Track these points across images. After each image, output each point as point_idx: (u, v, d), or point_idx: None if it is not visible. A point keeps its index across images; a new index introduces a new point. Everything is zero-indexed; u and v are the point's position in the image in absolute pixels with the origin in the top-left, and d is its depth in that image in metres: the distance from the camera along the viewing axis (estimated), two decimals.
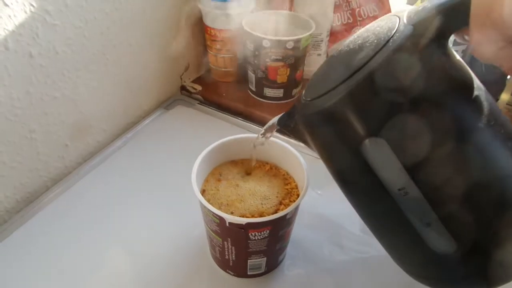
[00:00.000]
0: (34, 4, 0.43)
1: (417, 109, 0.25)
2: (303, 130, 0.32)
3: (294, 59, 0.62)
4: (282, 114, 0.37)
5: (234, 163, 0.45)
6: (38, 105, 0.47)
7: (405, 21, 0.26)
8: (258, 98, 0.67)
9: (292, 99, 0.68)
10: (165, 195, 0.51)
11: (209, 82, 0.71)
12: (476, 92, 0.26)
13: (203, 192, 0.41)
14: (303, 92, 0.32)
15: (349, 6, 0.71)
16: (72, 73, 0.50)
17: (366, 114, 0.26)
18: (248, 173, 0.44)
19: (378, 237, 0.32)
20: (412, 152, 0.26)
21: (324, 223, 0.50)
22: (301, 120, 0.31)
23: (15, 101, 0.45)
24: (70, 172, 0.54)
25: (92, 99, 0.54)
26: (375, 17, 0.71)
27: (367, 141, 0.26)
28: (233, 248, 0.39)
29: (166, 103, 0.67)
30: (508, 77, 0.62)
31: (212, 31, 0.65)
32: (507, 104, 0.64)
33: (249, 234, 0.37)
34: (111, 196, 0.51)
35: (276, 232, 0.38)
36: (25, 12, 0.43)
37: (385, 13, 0.70)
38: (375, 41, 0.27)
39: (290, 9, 0.68)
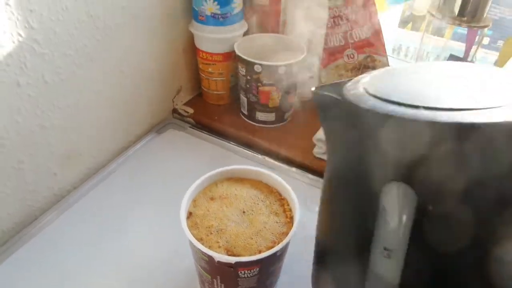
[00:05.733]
0: (22, 34, 0.43)
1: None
2: (342, 121, 0.28)
3: (286, 83, 0.61)
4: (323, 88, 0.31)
5: (237, 180, 0.44)
6: (27, 135, 0.47)
7: None
8: (250, 122, 0.67)
9: (285, 122, 0.67)
10: (155, 223, 0.50)
11: (201, 105, 0.71)
12: None
13: (189, 215, 0.40)
14: (360, 79, 0.28)
15: (341, 28, 0.71)
16: (61, 102, 0.49)
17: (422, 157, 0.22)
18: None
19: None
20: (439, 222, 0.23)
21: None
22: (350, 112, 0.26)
23: (3, 132, 0.44)
24: (59, 201, 0.53)
25: (83, 126, 0.54)
26: (366, 40, 0.71)
27: (395, 183, 0.23)
28: (222, 285, 0.39)
29: (158, 127, 0.66)
30: None
31: (204, 54, 0.65)
32: None
33: (239, 272, 0.36)
34: (101, 224, 0.50)
35: (267, 269, 0.38)
36: (13, 42, 0.42)
37: (377, 37, 0.71)
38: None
39: (283, 33, 0.68)
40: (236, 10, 0.62)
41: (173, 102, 0.70)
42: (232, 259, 0.35)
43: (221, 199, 0.41)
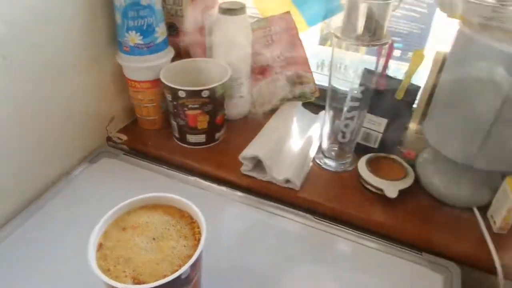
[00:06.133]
0: None
1: None
2: None
3: (212, 106, 0.64)
4: None
5: (150, 208, 0.45)
6: None
7: None
8: (183, 145, 0.69)
9: (216, 142, 0.69)
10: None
11: (136, 131, 0.72)
12: None
13: (100, 247, 0.41)
14: None
15: (268, 49, 0.74)
16: None
17: None
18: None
19: None
20: None
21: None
22: None
23: None
24: None
25: (8, 160, 0.54)
26: (292, 58, 0.74)
27: None
28: None
29: (91, 156, 0.67)
30: (415, 105, 0.66)
31: (132, 83, 0.67)
32: (415, 133, 0.68)
33: None
34: (31, 262, 0.50)
35: None
36: None
37: (301, 55, 0.74)
38: None
39: (210, 56, 0.71)
40: (160, 39, 0.64)
41: (107, 130, 0.71)
42: (134, 287, 0.36)
43: (133, 228, 0.43)
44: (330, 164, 0.66)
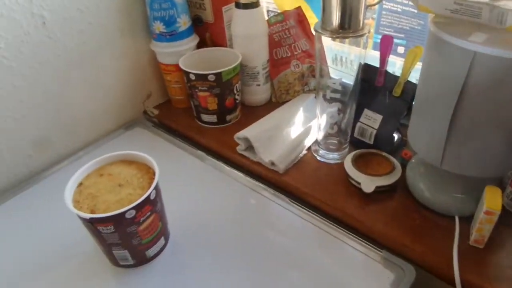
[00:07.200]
0: None
1: None
2: None
3: (220, 89, 0.71)
4: None
5: (128, 162, 0.56)
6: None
7: None
8: (199, 123, 0.78)
9: (228, 124, 0.77)
10: None
11: (168, 108, 0.84)
12: None
13: (80, 185, 0.52)
14: None
15: (286, 41, 0.78)
16: (28, 102, 0.66)
17: None
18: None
19: None
20: None
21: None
22: None
23: None
24: (33, 176, 0.70)
25: (53, 119, 0.70)
26: (307, 51, 0.77)
27: None
28: (97, 240, 0.51)
29: (127, 125, 0.81)
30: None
31: (162, 66, 0.78)
32: None
33: (98, 228, 0.48)
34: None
35: (122, 228, 0.48)
36: None
37: (313, 47, 0.77)
38: None
39: (231, 46, 0.78)
40: (182, 28, 0.74)
41: (144, 104, 0.84)
42: (87, 216, 0.47)
43: (108, 175, 0.54)
44: (324, 155, 0.68)
